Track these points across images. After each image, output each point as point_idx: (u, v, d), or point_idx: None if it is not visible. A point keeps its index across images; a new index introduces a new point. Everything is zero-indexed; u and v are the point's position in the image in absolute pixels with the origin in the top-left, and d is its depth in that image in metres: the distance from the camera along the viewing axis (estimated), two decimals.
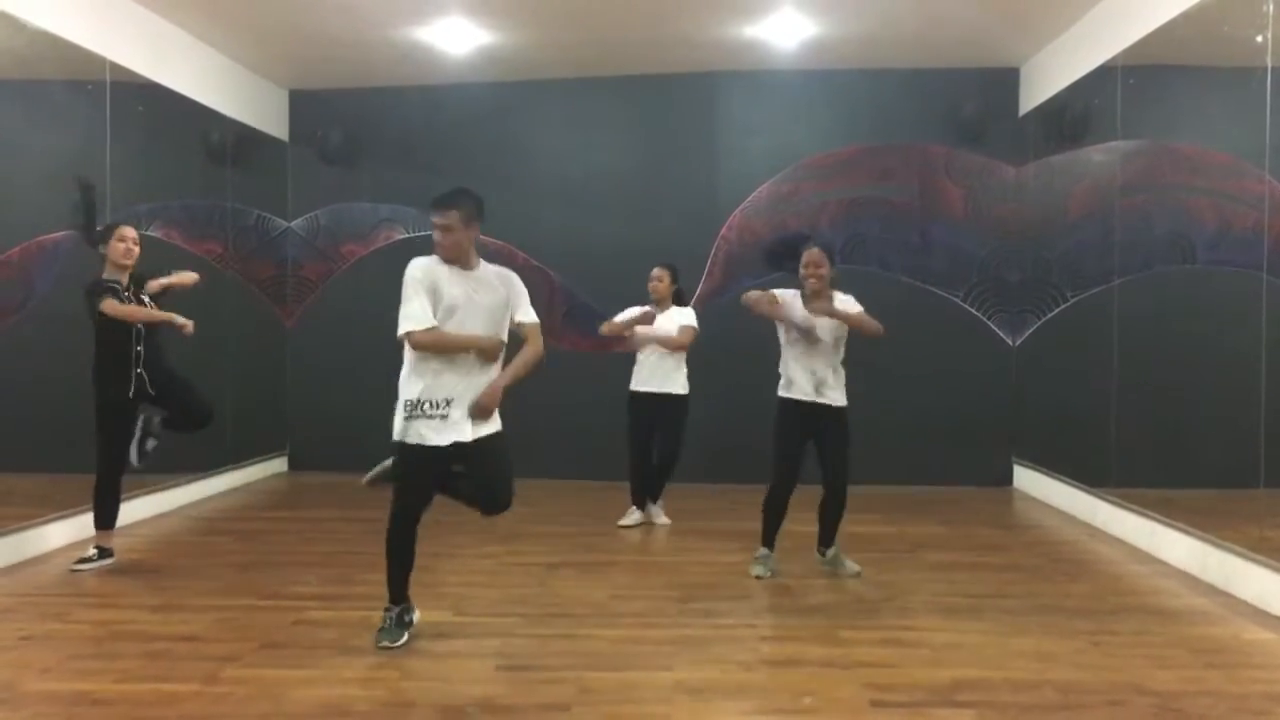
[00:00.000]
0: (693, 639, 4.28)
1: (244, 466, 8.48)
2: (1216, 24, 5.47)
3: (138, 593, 4.99)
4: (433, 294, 4.17)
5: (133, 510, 6.74)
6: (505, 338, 4.38)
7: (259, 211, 8.79)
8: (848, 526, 6.18)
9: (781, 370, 5.45)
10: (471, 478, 4.26)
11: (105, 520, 5.61)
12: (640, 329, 6.61)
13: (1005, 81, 8.50)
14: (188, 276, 5.84)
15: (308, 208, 9.26)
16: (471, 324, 4.21)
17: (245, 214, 8.55)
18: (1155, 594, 5.11)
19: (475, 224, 4.23)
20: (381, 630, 4.18)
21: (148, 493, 6.96)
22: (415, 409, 4.14)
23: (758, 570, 5.39)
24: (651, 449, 6.76)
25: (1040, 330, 7.99)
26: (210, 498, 7.76)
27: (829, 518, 5.52)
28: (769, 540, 5.51)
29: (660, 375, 6.63)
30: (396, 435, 4.17)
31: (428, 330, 4.14)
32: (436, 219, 4.19)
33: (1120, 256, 6.49)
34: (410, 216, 9.12)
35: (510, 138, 8.97)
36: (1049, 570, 5.60)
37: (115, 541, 5.66)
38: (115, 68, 6.60)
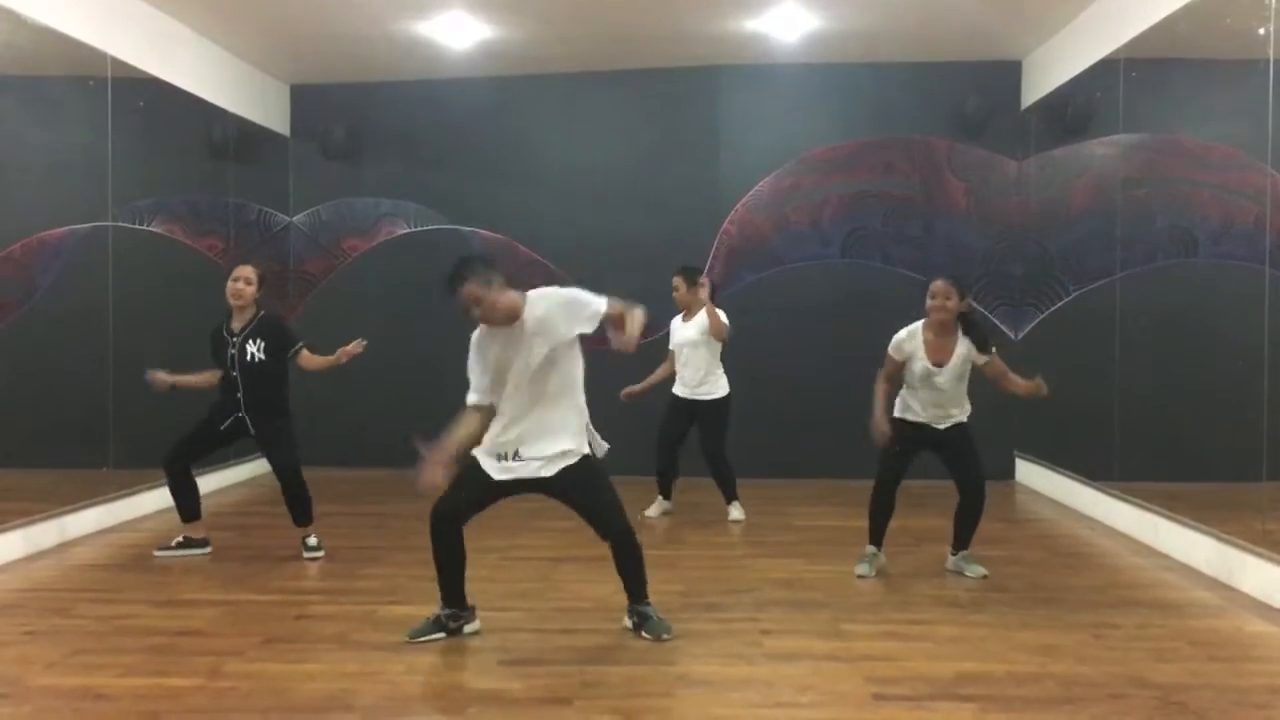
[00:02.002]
0: (695, 633, 4.28)
1: (246, 462, 8.48)
2: (1219, 17, 5.46)
3: (141, 587, 5.01)
4: (481, 362, 4.20)
5: (136, 505, 6.78)
6: (572, 365, 4.23)
7: (260, 207, 8.79)
8: (850, 520, 6.19)
9: (900, 398, 5.27)
10: (575, 509, 4.25)
11: (186, 510, 5.76)
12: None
13: (1007, 75, 8.49)
14: (348, 352, 5.65)
15: (309, 203, 9.26)
16: (519, 379, 4.11)
17: (247, 209, 8.55)
18: (1157, 587, 5.11)
19: (494, 280, 4.07)
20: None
21: (149, 488, 6.97)
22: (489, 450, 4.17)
23: (861, 570, 5.31)
24: (678, 447, 6.83)
25: (1042, 324, 7.98)
26: (213, 493, 7.75)
27: (964, 520, 5.33)
28: (874, 538, 5.40)
29: (695, 381, 6.67)
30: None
31: (472, 407, 4.24)
32: (457, 303, 4.05)
33: (1122, 250, 6.48)
34: (411, 211, 9.12)
35: (512, 132, 8.96)
36: (1051, 564, 5.60)
37: (118, 537, 5.68)
38: (117, 63, 6.60)
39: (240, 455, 8.34)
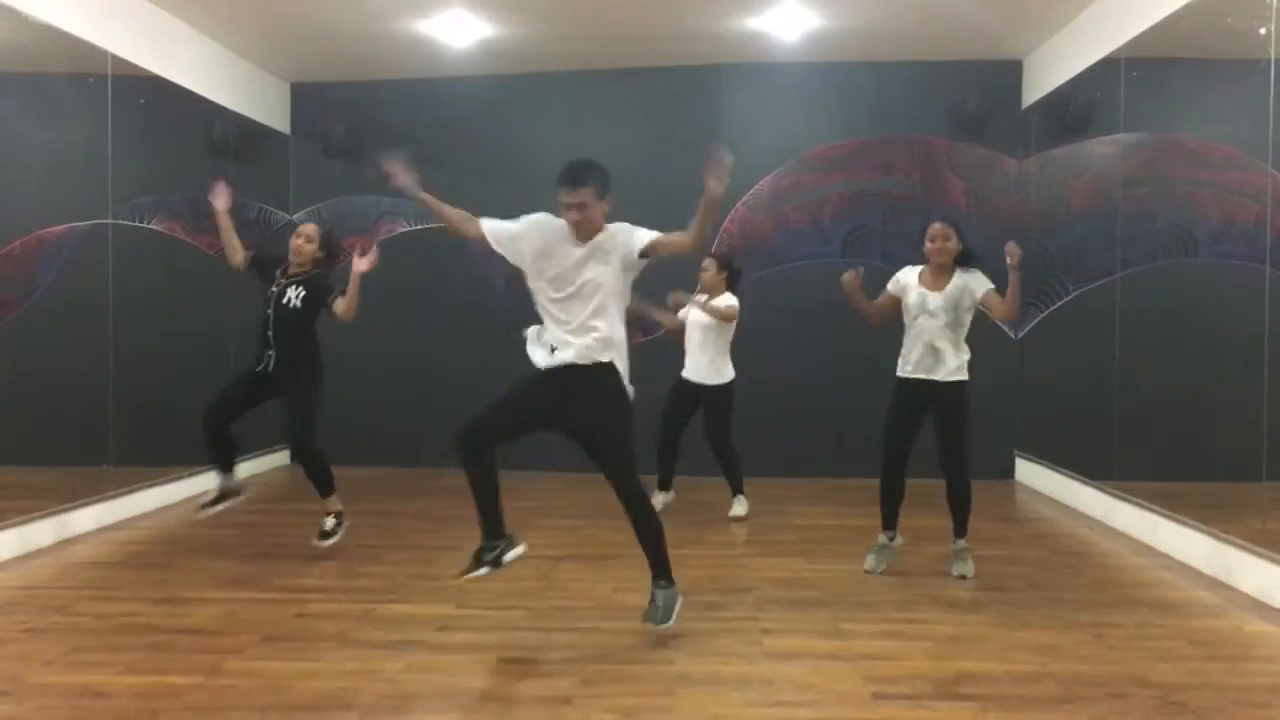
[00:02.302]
0: (695, 631, 4.28)
1: (246, 459, 8.46)
2: (1220, 16, 5.46)
3: (141, 585, 5.00)
4: (522, 238, 4.44)
5: (135, 503, 6.77)
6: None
7: (261, 205, 8.79)
8: (850, 519, 6.19)
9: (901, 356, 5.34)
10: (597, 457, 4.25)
11: (220, 461, 5.83)
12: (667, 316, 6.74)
13: (1008, 74, 8.48)
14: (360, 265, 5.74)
15: (309, 201, 9.26)
16: (571, 277, 4.30)
17: (247, 207, 8.53)
18: (1157, 587, 5.11)
19: (605, 198, 4.24)
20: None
21: (151, 485, 6.98)
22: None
23: (868, 563, 5.37)
24: (679, 434, 6.83)
25: (1042, 323, 7.98)
26: None
27: (952, 507, 5.40)
28: (887, 524, 5.43)
29: (702, 365, 6.71)
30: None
31: (474, 219, 4.54)
32: (567, 197, 4.16)
33: (1123, 250, 6.48)
34: (412, 210, 9.11)
35: (512, 131, 8.95)
36: (1051, 563, 5.60)
37: (118, 535, 5.68)
38: (117, 61, 6.59)
39: (240, 453, 8.32)
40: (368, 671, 3.78)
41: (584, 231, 4.24)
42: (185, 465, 7.50)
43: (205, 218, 7.83)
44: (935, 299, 5.20)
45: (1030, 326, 8.20)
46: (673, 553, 5.13)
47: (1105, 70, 6.73)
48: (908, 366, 5.27)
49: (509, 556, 4.26)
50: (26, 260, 5.97)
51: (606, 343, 4.19)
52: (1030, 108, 8.28)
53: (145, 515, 6.77)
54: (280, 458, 9.13)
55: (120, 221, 6.68)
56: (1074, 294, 7.35)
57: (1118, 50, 6.54)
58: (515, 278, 9.72)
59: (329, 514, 5.74)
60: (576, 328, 4.21)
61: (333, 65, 8.71)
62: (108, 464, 6.52)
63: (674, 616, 4.20)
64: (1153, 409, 6.24)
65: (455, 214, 4.41)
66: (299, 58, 8.55)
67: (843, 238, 8.58)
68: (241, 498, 5.89)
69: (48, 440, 6.18)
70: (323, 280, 5.82)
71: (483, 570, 4.19)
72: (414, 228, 9.08)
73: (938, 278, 5.25)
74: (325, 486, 5.78)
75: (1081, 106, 7.21)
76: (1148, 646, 4.12)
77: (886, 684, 3.67)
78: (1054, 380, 7.80)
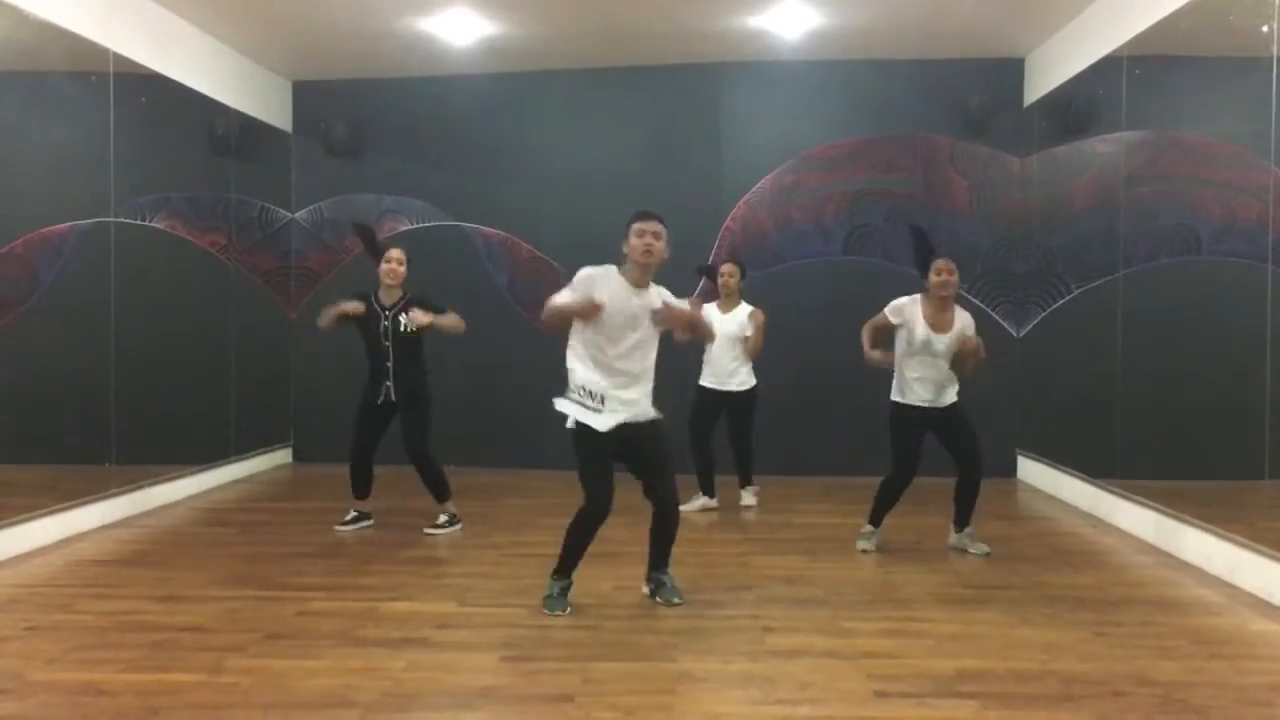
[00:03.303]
0: (697, 629, 4.28)
1: (248, 458, 8.50)
2: (1222, 14, 5.45)
3: (142, 583, 5.01)
4: (589, 293, 4.39)
5: (138, 501, 6.78)
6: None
7: (262, 203, 8.80)
8: (851, 518, 6.19)
9: (895, 377, 5.59)
10: (645, 465, 4.58)
11: (357, 491, 6.37)
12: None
13: (1010, 72, 8.48)
14: (446, 321, 6.12)
15: (311, 199, 9.27)
16: (630, 329, 4.44)
17: (249, 205, 8.55)
18: (1159, 585, 5.11)
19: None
20: (548, 598, 4.55)
21: (153, 484, 6.99)
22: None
23: (864, 545, 5.71)
24: (710, 440, 6.99)
25: (1045, 322, 7.98)
26: (215, 489, 7.78)
27: (962, 496, 5.69)
28: (875, 521, 5.78)
29: (725, 373, 6.85)
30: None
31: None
32: (648, 225, 4.48)
33: (1125, 248, 6.47)
34: (414, 208, 9.12)
35: (514, 129, 8.96)
36: (1053, 561, 5.60)
37: (120, 533, 5.68)
38: (119, 59, 6.60)
39: (241, 452, 8.35)
40: (369, 669, 3.78)
41: (650, 266, 4.49)
42: (187, 464, 7.51)
43: (207, 215, 7.87)
44: (941, 342, 5.42)
45: (1032, 325, 8.20)
46: (676, 550, 5.15)
47: (1107, 68, 6.73)
48: (910, 396, 5.50)
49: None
50: (29, 258, 5.97)
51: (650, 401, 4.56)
52: (1032, 106, 8.28)
53: (147, 513, 6.78)
54: (280, 456, 9.15)
55: (122, 220, 6.68)
56: (1076, 292, 7.35)
57: (1120, 48, 6.54)
58: (517, 275, 9.77)
59: (439, 515, 6.27)
60: (635, 378, 4.49)
61: (334, 63, 8.72)
62: (110, 462, 6.52)
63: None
64: (1155, 407, 6.24)
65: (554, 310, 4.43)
66: (301, 55, 8.55)
67: (845, 236, 8.57)
68: (371, 521, 6.39)
69: (50, 438, 6.19)
70: (426, 299, 6.17)
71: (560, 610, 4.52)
72: (415, 226, 9.08)
73: (942, 316, 5.43)
74: (441, 490, 6.26)
75: (1084, 105, 7.21)
76: (1150, 645, 4.11)
77: (888, 682, 3.67)
78: (1056, 378, 7.79)
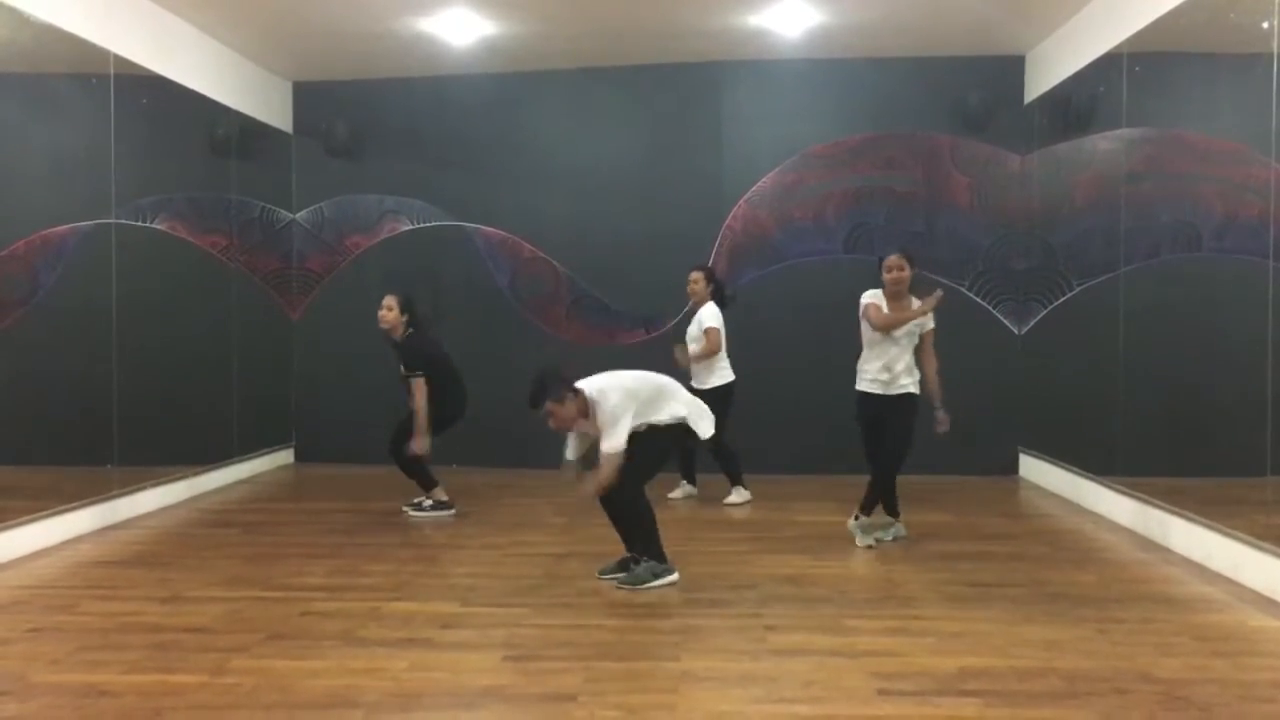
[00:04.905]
0: (699, 629, 4.29)
1: (250, 458, 8.50)
2: (1223, 10, 5.45)
3: (145, 584, 5.01)
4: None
5: (140, 502, 6.79)
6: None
7: (263, 204, 8.80)
8: (852, 518, 6.18)
9: (858, 369, 5.92)
10: None
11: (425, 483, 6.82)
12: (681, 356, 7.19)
13: (1010, 70, 8.47)
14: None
15: (312, 200, 9.27)
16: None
17: (250, 206, 8.55)
18: (1161, 582, 5.11)
19: (570, 396, 4.83)
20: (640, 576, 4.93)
21: (155, 484, 6.99)
22: None
23: (868, 540, 5.85)
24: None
25: (1046, 319, 7.97)
26: (217, 490, 7.78)
27: (871, 487, 5.94)
28: (865, 510, 5.96)
29: (699, 373, 7.08)
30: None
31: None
32: (542, 414, 4.84)
33: (1126, 245, 6.47)
34: (414, 208, 9.12)
35: (515, 129, 8.95)
36: (1055, 559, 5.60)
37: (122, 534, 5.69)
38: (119, 60, 6.60)
39: (242, 453, 8.36)
40: (372, 670, 3.79)
41: (569, 426, 4.96)
42: (189, 465, 7.52)
43: (208, 217, 7.87)
44: (900, 329, 5.73)
45: (1034, 322, 8.19)
46: (677, 550, 5.16)
47: (1108, 65, 6.72)
48: (863, 381, 5.84)
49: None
50: (30, 260, 5.97)
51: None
52: (1033, 103, 8.27)
53: (149, 515, 6.78)
54: (282, 457, 9.15)
55: (123, 221, 6.68)
56: (1077, 289, 7.35)
57: (1120, 45, 6.53)
58: (518, 275, 9.79)
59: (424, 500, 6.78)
60: None
61: (334, 64, 8.72)
62: (112, 463, 6.53)
63: (647, 586, 4.86)
64: (1156, 404, 6.23)
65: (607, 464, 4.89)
66: (301, 56, 8.55)
67: (845, 234, 8.57)
68: (453, 511, 6.77)
69: (52, 440, 6.20)
70: (407, 354, 6.72)
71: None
72: (416, 226, 9.09)
73: (898, 305, 5.76)
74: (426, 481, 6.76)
75: (1084, 102, 7.20)
76: (1152, 642, 4.11)
77: (890, 680, 3.67)
78: (1057, 376, 7.79)
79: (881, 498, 5.94)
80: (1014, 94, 8.46)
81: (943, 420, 5.79)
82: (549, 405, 4.79)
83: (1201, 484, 5.81)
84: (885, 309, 5.74)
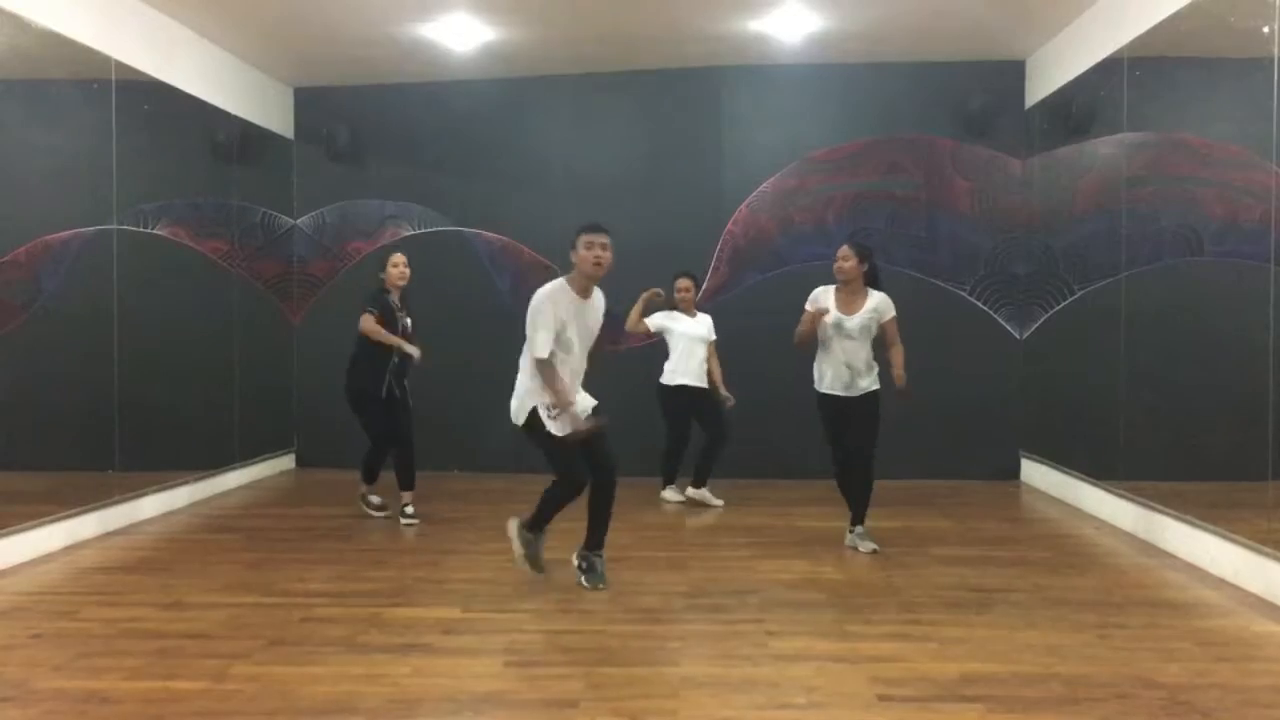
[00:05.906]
0: (700, 634, 4.28)
1: (252, 464, 8.50)
2: (1223, 15, 5.45)
3: (147, 590, 5.01)
4: (555, 320, 4.86)
5: (141, 508, 6.79)
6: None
7: (265, 209, 8.81)
8: (849, 532, 6.18)
9: (815, 363, 5.91)
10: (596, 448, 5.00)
11: (367, 476, 6.89)
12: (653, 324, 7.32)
13: (1011, 74, 8.48)
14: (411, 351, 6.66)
15: (313, 205, 9.28)
16: (583, 342, 5.03)
17: (251, 212, 8.56)
18: (1163, 587, 5.10)
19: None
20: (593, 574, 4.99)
21: (157, 490, 6.99)
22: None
23: (866, 546, 5.83)
24: (689, 437, 7.41)
25: (1047, 323, 7.97)
26: (218, 495, 7.78)
27: (856, 492, 5.95)
28: (859, 519, 5.98)
29: (695, 370, 7.27)
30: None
31: (553, 359, 4.92)
32: (598, 238, 4.90)
33: (1127, 249, 6.47)
34: (415, 213, 9.13)
35: (515, 134, 8.96)
36: (1056, 564, 5.59)
37: (124, 540, 5.70)
38: (120, 66, 6.61)
39: (244, 458, 8.36)
40: (374, 675, 3.78)
41: (596, 279, 4.98)
42: (190, 470, 7.52)
43: (210, 222, 7.88)
44: (851, 322, 5.71)
45: (1035, 326, 8.19)
46: (678, 555, 5.15)
47: (1108, 70, 6.73)
48: (823, 384, 5.83)
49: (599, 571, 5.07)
50: (31, 266, 5.98)
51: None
52: (1034, 108, 8.27)
53: (151, 520, 6.78)
54: (284, 462, 9.15)
55: (125, 227, 6.69)
56: (1078, 293, 7.34)
57: (1120, 50, 6.53)
58: (519, 280, 9.79)
59: (406, 505, 6.75)
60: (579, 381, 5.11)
61: (335, 69, 8.73)
62: (113, 469, 6.53)
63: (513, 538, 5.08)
64: (1158, 408, 6.23)
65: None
66: (302, 62, 8.56)
67: (847, 239, 8.53)
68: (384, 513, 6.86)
69: (53, 445, 6.20)
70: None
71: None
72: (417, 231, 9.09)
73: (851, 300, 5.75)
74: (411, 481, 6.72)
75: (1085, 106, 7.20)
76: (1154, 647, 4.11)
77: (892, 686, 3.67)
78: (1059, 380, 7.78)
79: (854, 504, 5.93)
80: (1015, 98, 8.46)
81: (905, 389, 5.61)
82: (609, 241, 4.91)
83: (1203, 488, 5.80)
84: (833, 303, 5.76)
